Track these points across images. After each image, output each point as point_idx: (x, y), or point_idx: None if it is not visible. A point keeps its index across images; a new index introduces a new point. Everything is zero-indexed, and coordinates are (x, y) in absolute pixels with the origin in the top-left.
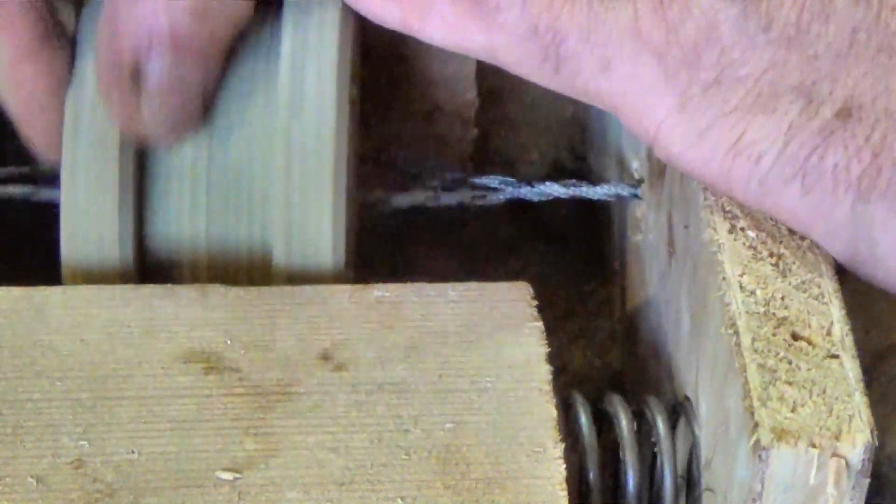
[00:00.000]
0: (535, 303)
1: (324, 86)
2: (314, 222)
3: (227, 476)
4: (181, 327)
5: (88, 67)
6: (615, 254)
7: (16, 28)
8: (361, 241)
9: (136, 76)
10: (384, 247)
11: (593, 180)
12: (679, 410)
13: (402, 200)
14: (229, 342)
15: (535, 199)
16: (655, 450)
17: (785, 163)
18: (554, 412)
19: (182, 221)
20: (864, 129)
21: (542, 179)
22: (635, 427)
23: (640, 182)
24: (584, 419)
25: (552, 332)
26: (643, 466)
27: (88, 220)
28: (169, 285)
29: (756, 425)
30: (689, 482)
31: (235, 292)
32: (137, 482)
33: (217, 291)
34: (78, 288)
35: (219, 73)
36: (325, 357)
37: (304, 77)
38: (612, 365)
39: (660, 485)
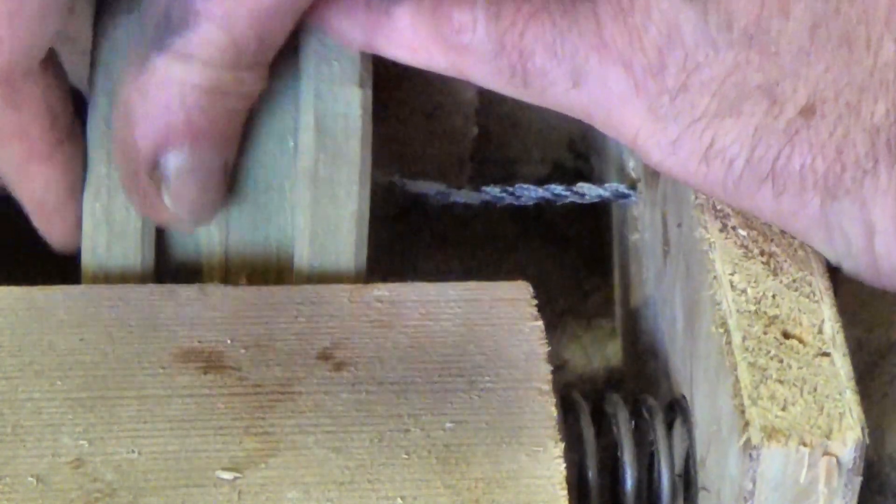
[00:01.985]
0: (535, 302)
1: (347, 89)
2: (336, 226)
3: (227, 475)
4: (181, 327)
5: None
6: (614, 253)
7: (28, 134)
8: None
9: (155, 170)
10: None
11: (594, 179)
12: (675, 409)
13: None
14: (229, 342)
15: (531, 202)
16: (653, 448)
17: (755, 166)
18: (554, 412)
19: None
20: (828, 126)
21: (543, 178)
22: (633, 426)
23: (636, 182)
24: (584, 419)
25: (552, 330)
26: (641, 465)
27: (109, 221)
28: (169, 284)
29: (746, 424)
30: (686, 481)
31: (235, 292)
32: (137, 482)
33: (217, 291)
34: (78, 287)
35: (237, 146)
36: (325, 356)
37: (327, 81)
38: (611, 364)
39: (657, 484)
